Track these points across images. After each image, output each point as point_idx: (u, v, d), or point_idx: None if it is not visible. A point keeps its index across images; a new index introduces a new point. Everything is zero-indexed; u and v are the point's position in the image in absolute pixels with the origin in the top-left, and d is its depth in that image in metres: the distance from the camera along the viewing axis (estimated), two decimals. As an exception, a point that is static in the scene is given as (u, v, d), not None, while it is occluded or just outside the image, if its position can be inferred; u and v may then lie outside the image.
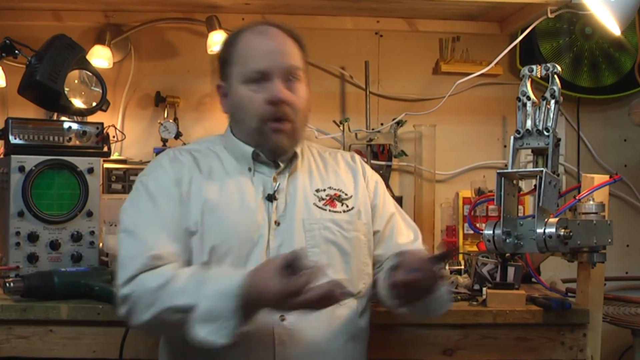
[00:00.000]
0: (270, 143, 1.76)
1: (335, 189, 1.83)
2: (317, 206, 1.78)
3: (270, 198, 1.76)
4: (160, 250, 1.65)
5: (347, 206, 1.82)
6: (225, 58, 1.81)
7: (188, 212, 1.71)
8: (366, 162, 2.02)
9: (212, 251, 1.69)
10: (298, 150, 1.82)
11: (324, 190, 1.82)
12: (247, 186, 1.77)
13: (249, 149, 1.79)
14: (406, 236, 1.90)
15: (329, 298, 1.50)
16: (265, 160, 1.79)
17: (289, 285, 1.46)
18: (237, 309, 1.51)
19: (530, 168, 1.84)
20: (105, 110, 2.43)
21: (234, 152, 1.82)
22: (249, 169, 1.79)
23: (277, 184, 1.78)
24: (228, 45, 1.81)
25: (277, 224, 1.74)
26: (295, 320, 1.67)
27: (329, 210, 1.79)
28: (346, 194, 1.84)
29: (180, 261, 1.68)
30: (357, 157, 1.96)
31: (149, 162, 2.62)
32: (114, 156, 2.68)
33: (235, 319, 1.51)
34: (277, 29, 1.80)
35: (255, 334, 1.60)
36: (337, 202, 1.81)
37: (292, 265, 1.48)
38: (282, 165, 1.80)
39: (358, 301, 1.79)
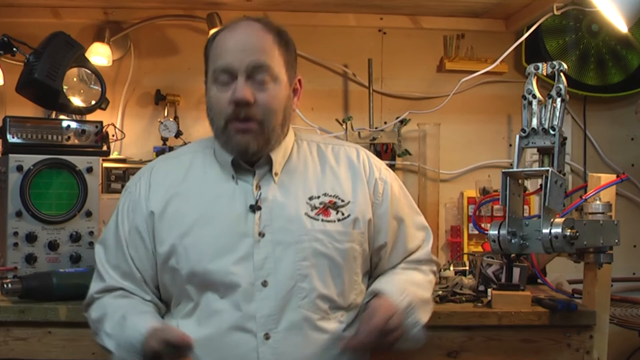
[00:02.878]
0: (234, 143, 1.69)
1: (330, 196, 1.75)
2: (309, 216, 1.71)
3: (253, 208, 1.69)
4: (110, 282, 1.75)
5: (343, 214, 1.73)
6: (205, 57, 1.76)
7: (162, 234, 1.71)
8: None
9: (192, 273, 1.68)
10: (274, 155, 1.73)
11: (318, 197, 1.73)
12: (231, 197, 1.72)
13: (229, 158, 1.73)
14: (415, 240, 1.85)
15: None
16: (248, 168, 1.73)
17: None
18: None
19: (536, 167, 1.83)
20: (104, 109, 2.41)
21: (219, 159, 1.77)
22: (233, 177, 1.74)
23: (259, 192, 1.71)
24: (207, 44, 1.76)
25: (262, 235, 1.68)
26: (281, 338, 1.64)
27: (322, 220, 1.71)
28: (343, 200, 1.75)
29: (127, 288, 1.75)
30: (363, 155, 1.85)
31: (148, 161, 2.63)
32: (114, 155, 2.67)
33: None
34: (255, 23, 1.71)
35: (237, 354, 1.59)
36: (331, 211, 1.73)
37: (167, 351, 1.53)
38: (257, 173, 1.73)
39: (347, 314, 1.73)
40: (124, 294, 1.74)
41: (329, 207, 1.73)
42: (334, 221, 1.72)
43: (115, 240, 1.76)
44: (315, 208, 1.72)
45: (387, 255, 1.81)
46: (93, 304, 1.76)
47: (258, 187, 1.72)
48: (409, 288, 1.73)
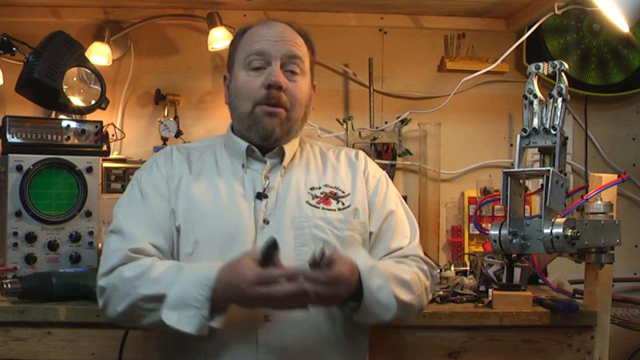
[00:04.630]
0: (261, 125, 1.75)
1: (331, 187, 1.81)
2: (310, 204, 1.76)
3: (260, 196, 1.74)
4: (142, 244, 1.68)
5: (343, 204, 1.78)
6: (232, 49, 1.85)
7: (176, 209, 1.74)
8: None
9: (195, 246, 1.69)
10: (286, 147, 1.80)
11: (319, 188, 1.80)
12: (238, 184, 1.77)
13: (244, 144, 1.79)
14: (400, 238, 1.84)
15: (298, 299, 1.50)
16: (259, 156, 1.79)
17: (262, 273, 1.49)
18: (208, 299, 1.54)
19: (537, 167, 1.83)
20: (104, 109, 2.40)
21: (231, 149, 1.83)
22: (243, 166, 1.79)
23: (268, 181, 1.77)
24: (236, 36, 1.86)
25: (266, 222, 1.72)
26: (280, 319, 1.64)
27: (322, 209, 1.76)
28: (343, 192, 1.81)
29: (162, 256, 1.70)
30: (362, 154, 1.93)
31: (148, 161, 2.63)
32: (113, 155, 2.66)
33: (206, 309, 1.54)
34: (286, 24, 1.83)
35: (237, 336, 1.60)
36: (332, 200, 1.78)
37: (269, 254, 1.51)
38: (268, 163, 1.79)
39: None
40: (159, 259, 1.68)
41: (329, 196, 1.79)
42: (335, 210, 1.77)
43: (147, 218, 1.72)
44: (316, 197, 1.78)
45: (375, 245, 1.82)
46: (127, 263, 1.65)
47: (267, 176, 1.77)
48: (378, 262, 1.73)
